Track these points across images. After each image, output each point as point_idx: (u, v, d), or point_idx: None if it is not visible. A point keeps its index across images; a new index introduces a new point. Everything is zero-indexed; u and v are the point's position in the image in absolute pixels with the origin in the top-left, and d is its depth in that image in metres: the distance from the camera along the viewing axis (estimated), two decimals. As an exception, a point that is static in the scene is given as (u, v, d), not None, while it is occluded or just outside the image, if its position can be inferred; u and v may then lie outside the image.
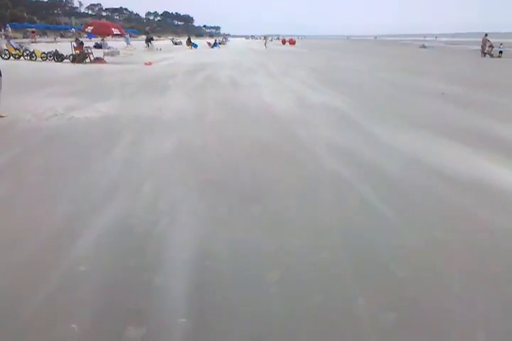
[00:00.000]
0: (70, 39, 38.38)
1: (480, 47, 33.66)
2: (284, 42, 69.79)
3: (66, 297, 2.72)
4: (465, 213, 4.13)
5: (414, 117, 8.71)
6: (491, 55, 31.69)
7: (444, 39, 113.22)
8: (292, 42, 65.97)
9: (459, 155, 6.04)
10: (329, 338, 2.41)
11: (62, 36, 64.37)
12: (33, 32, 52.19)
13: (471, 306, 2.68)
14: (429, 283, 2.94)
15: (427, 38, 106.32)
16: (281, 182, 4.86)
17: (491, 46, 32.43)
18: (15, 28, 57.03)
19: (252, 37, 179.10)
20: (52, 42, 46.73)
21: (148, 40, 42.54)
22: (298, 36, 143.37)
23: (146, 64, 21.42)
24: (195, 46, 46.38)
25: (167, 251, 3.27)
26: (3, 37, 41.50)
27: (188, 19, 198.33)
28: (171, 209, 4.06)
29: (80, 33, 44.72)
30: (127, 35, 36.83)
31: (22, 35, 53.22)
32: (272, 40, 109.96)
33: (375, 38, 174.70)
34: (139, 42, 46.89)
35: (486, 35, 32.45)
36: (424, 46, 55.82)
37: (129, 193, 4.47)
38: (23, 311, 2.57)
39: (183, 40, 60.30)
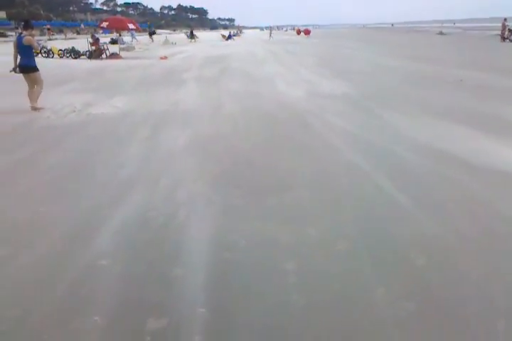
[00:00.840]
0: (86, 35, 38.65)
1: (500, 33, 32.97)
2: (298, 32, 69.10)
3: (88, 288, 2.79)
4: (485, 202, 4.08)
5: (430, 105, 8.59)
6: (511, 40, 31.01)
7: (463, 25, 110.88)
8: (307, 33, 65.26)
9: (478, 143, 5.96)
10: (348, 327, 2.43)
11: (78, 33, 64.92)
12: (48, 29, 52.71)
13: (489, 295, 2.67)
14: (447, 272, 2.93)
15: (444, 24, 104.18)
16: (296, 173, 4.87)
17: (510, 31, 31.73)
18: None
19: (267, 28, 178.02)
20: (65, 39, 47.26)
21: (151, 34, 42.86)
22: (312, 26, 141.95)
23: (161, 58, 21.50)
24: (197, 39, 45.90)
25: (185, 241, 3.32)
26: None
27: (202, 12, 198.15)
28: (188, 201, 4.10)
29: (95, 29, 45.10)
30: (133, 31, 36.73)
31: (39, 33, 53.83)
32: (286, 31, 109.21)
33: (392, 25, 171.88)
34: (155, 37, 47.20)
35: (505, 19, 31.76)
36: (441, 33, 54.83)
37: (147, 186, 4.52)
38: (45, 304, 2.64)
39: (198, 33, 60.29)
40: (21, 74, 8.83)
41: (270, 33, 56.62)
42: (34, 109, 8.58)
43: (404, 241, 3.33)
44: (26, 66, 8.65)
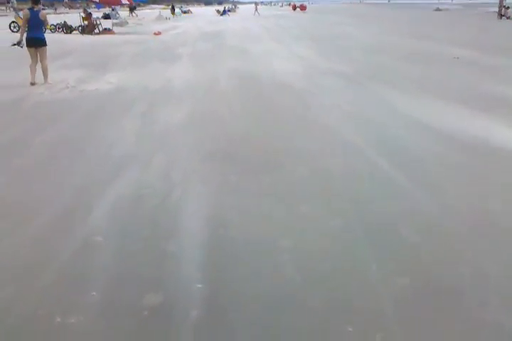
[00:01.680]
0: (78, 10, 37.80)
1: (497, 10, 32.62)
2: (294, 7, 67.29)
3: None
4: (477, 177, 4.11)
5: (424, 83, 8.55)
6: (508, 17, 30.67)
7: (460, 1, 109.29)
8: (303, 8, 63.87)
9: (470, 120, 5.96)
10: (342, 304, 2.45)
11: (70, 7, 63.49)
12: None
13: (483, 271, 2.71)
14: (441, 247, 2.96)
15: (441, 1, 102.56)
16: (293, 150, 4.86)
17: (508, 8, 31.39)
18: (24, 0, 56.25)
19: (262, 3, 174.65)
20: (55, 13, 46.09)
21: (132, 10, 41.71)
22: (308, 1, 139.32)
23: (155, 34, 21.16)
24: (180, 14, 44.76)
25: (181, 218, 3.33)
26: (12, 9, 41.02)
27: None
28: (184, 179, 4.10)
29: (87, 3, 44.04)
30: (116, 7, 33.90)
31: (39, 8, 52.53)
32: (282, 6, 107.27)
33: (389, 1, 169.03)
34: (149, 12, 46.27)
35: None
36: (438, 9, 54.16)
37: (142, 164, 4.50)
38: (43, 278, 2.65)
39: (192, 8, 59.19)
40: (21, 49, 8.73)
41: (256, 9, 55.52)
42: (47, 83, 8.70)
43: (394, 214, 3.36)
44: (40, 39, 8.60)
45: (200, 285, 2.56)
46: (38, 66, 8.72)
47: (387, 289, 2.53)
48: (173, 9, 44.28)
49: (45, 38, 8.74)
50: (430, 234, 3.11)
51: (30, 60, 8.66)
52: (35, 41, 8.55)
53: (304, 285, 2.59)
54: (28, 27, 8.54)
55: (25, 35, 8.57)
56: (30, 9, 8.58)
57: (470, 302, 2.42)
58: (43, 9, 9.70)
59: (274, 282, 2.62)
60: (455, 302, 2.43)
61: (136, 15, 41.02)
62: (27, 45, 8.57)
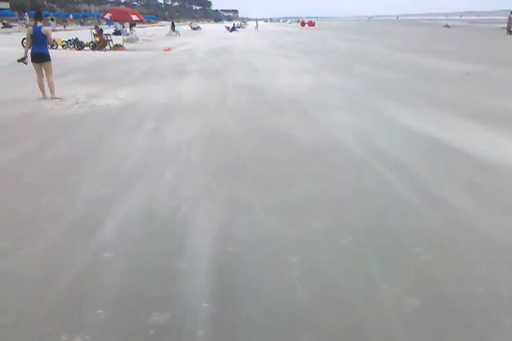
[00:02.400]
0: (90, 26, 38.32)
1: (506, 26, 32.68)
2: (303, 24, 68.67)
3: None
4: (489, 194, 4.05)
5: (435, 98, 8.53)
6: (518, 33, 30.73)
7: (469, 17, 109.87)
8: (312, 25, 65.05)
9: (480, 136, 5.91)
10: (351, 322, 2.40)
11: (81, 24, 64.69)
12: (52, 19, 52.38)
13: (496, 289, 2.64)
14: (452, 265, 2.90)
15: (450, 17, 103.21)
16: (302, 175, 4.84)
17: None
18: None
19: (271, 20, 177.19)
20: (63, 30, 46.67)
21: (131, 26, 41.89)
22: (317, 18, 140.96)
23: (165, 50, 21.41)
24: (178, 32, 44.18)
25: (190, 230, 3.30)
26: (25, 26, 41.92)
27: (205, 3, 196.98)
28: (192, 194, 4.08)
29: (99, 20, 44.64)
30: (116, 24, 33.06)
31: (42, 24, 53.51)
32: (290, 23, 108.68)
33: (397, 18, 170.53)
34: (159, 28, 46.88)
35: (512, 12, 31.51)
36: (447, 25, 54.47)
37: (151, 180, 4.50)
38: (49, 297, 2.63)
39: (202, 24, 59.98)
40: (28, 65, 8.89)
41: (256, 26, 56.53)
42: (54, 98, 8.83)
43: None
44: (43, 54, 8.76)
45: (206, 305, 2.52)
46: (46, 81, 8.88)
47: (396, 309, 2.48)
48: (173, 26, 44.25)
49: (49, 53, 8.90)
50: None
51: (36, 76, 8.83)
52: (39, 57, 8.73)
53: (312, 304, 2.54)
54: (32, 43, 8.71)
55: (29, 51, 8.77)
56: (34, 25, 8.83)
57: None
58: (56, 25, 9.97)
59: (282, 300, 2.57)
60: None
61: (135, 31, 41.16)
62: (32, 61, 8.76)
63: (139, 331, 2.34)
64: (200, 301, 2.55)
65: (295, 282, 2.75)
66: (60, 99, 8.86)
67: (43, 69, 8.82)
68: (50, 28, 8.97)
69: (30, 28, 8.83)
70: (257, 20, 68.28)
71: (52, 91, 8.94)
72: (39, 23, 8.91)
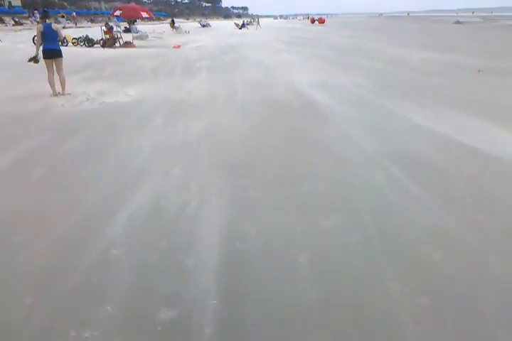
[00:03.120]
0: (100, 24, 38.34)
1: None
2: (312, 21, 68.27)
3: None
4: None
5: (446, 96, 8.45)
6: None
7: (481, 14, 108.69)
8: (322, 21, 64.59)
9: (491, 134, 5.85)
10: (362, 320, 2.39)
11: (92, 21, 64.87)
12: (62, 17, 52.46)
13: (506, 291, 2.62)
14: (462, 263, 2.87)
15: (461, 14, 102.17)
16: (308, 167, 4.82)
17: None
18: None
19: (281, 17, 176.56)
20: (74, 27, 46.67)
21: (131, 23, 41.54)
22: (327, 14, 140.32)
23: (174, 47, 21.41)
24: (182, 28, 43.31)
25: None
26: (36, 23, 42.09)
27: (215, 0, 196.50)
28: (200, 190, 4.08)
29: (109, 17, 44.58)
30: (116, 19, 33.30)
31: (53, 21, 53.59)
32: (300, 20, 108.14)
33: (408, 14, 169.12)
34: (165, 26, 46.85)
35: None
36: (458, 22, 53.96)
37: (158, 174, 4.51)
38: (59, 291, 2.65)
39: (211, 21, 59.93)
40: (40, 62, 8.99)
41: (258, 22, 55.32)
42: (65, 94, 8.98)
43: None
44: (55, 50, 8.90)
45: (215, 301, 2.53)
46: (56, 77, 9.00)
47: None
48: (172, 23, 43.66)
49: (60, 49, 9.05)
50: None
51: (47, 73, 8.89)
52: (51, 53, 8.85)
53: (321, 302, 2.53)
54: (43, 40, 8.83)
55: (41, 48, 8.87)
56: (43, 23, 8.94)
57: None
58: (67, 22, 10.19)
59: (291, 297, 2.57)
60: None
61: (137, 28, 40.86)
62: (44, 57, 8.86)
63: (147, 328, 2.36)
64: (209, 298, 2.56)
65: (303, 279, 2.75)
66: (70, 94, 8.98)
67: (54, 66, 8.90)
68: (61, 25, 9.16)
69: (40, 25, 8.89)
70: (258, 16, 67.10)
71: (63, 88, 9.07)
72: (48, 20, 9.02)
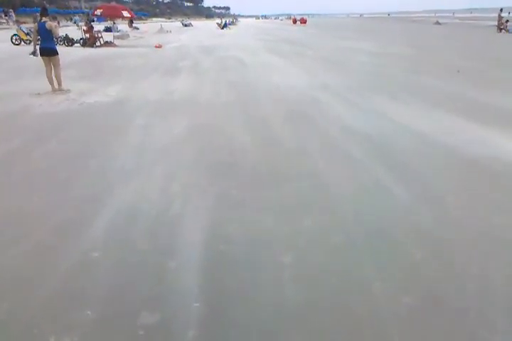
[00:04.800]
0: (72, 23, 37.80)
1: (496, 23, 32.94)
2: (294, 21, 68.49)
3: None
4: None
5: (425, 95, 8.53)
6: (507, 31, 30.94)
7: (461, 15, 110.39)
8: (304, 22, 64.85)
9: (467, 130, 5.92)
10: (345, 322, 2.38)
11: (71, 20, 64.00)
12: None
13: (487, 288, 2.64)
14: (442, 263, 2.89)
15: (442, 14, 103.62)
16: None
17: (507, 21, 31.72)
18: (25, 13, 56.75)
19: (263, 17, 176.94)
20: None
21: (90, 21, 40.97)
22: (309, 15, 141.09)
23: (156, 47, 21.24)
24: (137, 29, 42.41)
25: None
26: (13, 22, 41.50)
27: (197, 0, 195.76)
28: (183, 191, 4.04)
29: (89, 16, 44.10)
30: (76, 18, 32.55)
31: (32, 20, 52.83)
32: (282, 20, 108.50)
33: (389, 15, 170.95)
34: (149, 25, 46.60)
35: (501, 10, 31.84)
36: (438, 23, 54.66)
37: (140, 180, 4.45)
38: (37, 297, 2.58)
39: (193, 21, 59.76)
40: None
41: (222, 24, 50.70)
42: (61, 90, 9.33)
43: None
44: (50, 49, 9.25)
45: (197, 304, 2.49)
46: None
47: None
48: (131, 23, 42.03)
49: (55, 48, 9.37)
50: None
51: (45, 69, 9.25)
52: (46, 51, 9.19)
53: (305, 303, 2.52)
54: (39, 38, 9.19)
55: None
56: (39, 21, 9.23)
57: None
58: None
59: (274, 300, 2.55)
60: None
61: (135, 28, 40.38)
62: (40, 55, 9.18)
63: (128, 333, 2.31)
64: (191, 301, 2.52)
65: (287, 281, 2.73)
66: (68, 90, 9.35)
67: (51, 63, 9.20)
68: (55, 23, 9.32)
69: (36, 24, 9.29)
70: (221, 19, 62.93)
71: (59, 84, 9.38)
72: (44, 19, 9.21)
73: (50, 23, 9.15)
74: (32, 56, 9.35)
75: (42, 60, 9.21)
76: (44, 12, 9.43)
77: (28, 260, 2.96)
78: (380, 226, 3.39)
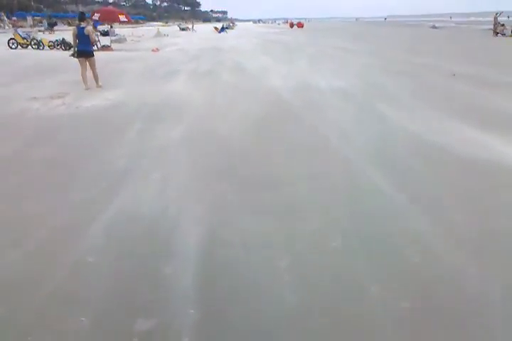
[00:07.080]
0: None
1: (492, 27, 33.13)
2: (291, 25, 68.80)
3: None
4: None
5: (422, 99, 8.56)
6: (503, 34, 31.08)
7: (458, 19, 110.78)
8: (300, 26, 65.19)
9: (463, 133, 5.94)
10: (341, 326, 2.37)
11: (69, 24, 64.05)
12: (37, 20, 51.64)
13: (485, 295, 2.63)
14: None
15: (439, 19, 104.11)
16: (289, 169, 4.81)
17: (503, 25, 31.88)
18: (22, 17, 56.77)
19: (260, 21, 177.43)
20: (50, 33, 45.88)
21: (52, 25, 40.32)
22: (306, 19, 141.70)
23: (153, 50, 21.26)
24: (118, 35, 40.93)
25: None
26: (11, 26, 41.51)
27: (194, 4, 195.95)
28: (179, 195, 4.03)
29: (87, 21, 44.00)
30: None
31: (30, 24, 52.82)
32: (279, 24, 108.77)
33: (385, 19, 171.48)
34: (147, 29, 46.64)
35: (497, 14, 32.03)
36: (434, 26, 54.92)
37: (136, 181, 4.44)
38: (32, 304, 2.57)
39: (190, 25, 59.90)
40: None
41: (219, 28, 51.96)
42: (99, 86, 10.42)
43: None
44: (88, 51, 10.33)
45: (192, 311, 2.48)
46: (89, 72, 10.35)
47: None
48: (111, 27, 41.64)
49: (91, 50, 10.51)
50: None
51: (80, 69, 10.24)
52: (83, 53, 10.24)
53: (301, 308, 2.51)
54: (77, 41, 10.13)
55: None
56: (78, 26, 10.18)
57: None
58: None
59: (270, 306, 2.53)
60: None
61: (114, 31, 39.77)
62: (77, 56, 10.26)
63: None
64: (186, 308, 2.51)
65: (285, 284, 2.72)
66: (101, 86, 10.33)
67: (88, 63, 10.24)
68: (90, 26, 9.85)
69: (75, 28, 10.21)
70: (193, 22, 63.44)
71: (97, 80, 10.48)
72: (82, 24, 10.21)
73: (88, 29, 10.13)
74: (73, 57, 10.43)
75: (79, 61, 10.18)
76: (81, 18, 10.37)
77: (19, 266, 2.95)
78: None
